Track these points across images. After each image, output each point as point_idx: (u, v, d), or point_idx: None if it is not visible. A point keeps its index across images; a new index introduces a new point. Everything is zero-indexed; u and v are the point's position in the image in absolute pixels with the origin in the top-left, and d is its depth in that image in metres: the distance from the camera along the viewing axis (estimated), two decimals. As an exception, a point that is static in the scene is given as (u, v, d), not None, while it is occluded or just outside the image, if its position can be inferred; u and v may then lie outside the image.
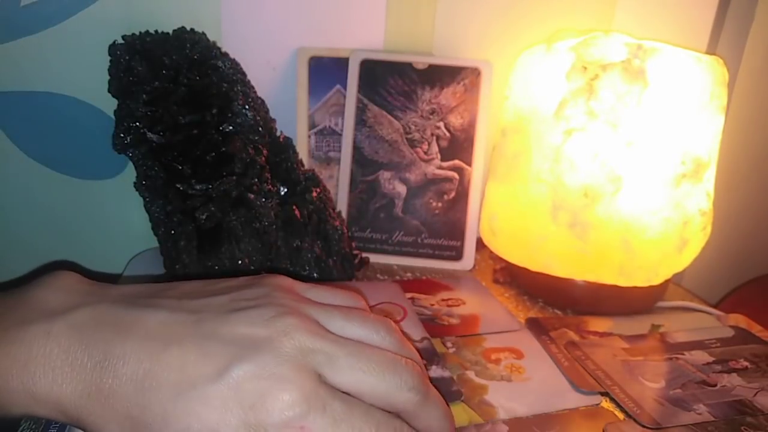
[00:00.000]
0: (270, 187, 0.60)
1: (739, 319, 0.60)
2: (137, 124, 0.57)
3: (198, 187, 0.57)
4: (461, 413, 0.43)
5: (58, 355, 0.30)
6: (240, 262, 0.59)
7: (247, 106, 0.60)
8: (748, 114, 0.79)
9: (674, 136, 0.53)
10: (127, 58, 0.58)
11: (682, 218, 0.55)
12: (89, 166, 0.67)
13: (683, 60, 0.53)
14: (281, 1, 0.66)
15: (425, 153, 0.68)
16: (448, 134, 0.68)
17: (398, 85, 0.68)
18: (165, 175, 0.57)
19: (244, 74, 0.62)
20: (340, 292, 0.38)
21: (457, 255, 0.68)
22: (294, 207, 0.60)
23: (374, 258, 0.67)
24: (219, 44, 0.62)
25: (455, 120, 0.68)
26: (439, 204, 0.68)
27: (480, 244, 0.68)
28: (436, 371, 0.47)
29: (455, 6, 0.69)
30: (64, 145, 0.66)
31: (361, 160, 0.68)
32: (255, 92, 0.63)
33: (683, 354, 0.53)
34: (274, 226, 0.59)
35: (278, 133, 0.64)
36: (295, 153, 0.64)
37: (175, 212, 0.58)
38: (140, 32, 0.60)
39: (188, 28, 0.61)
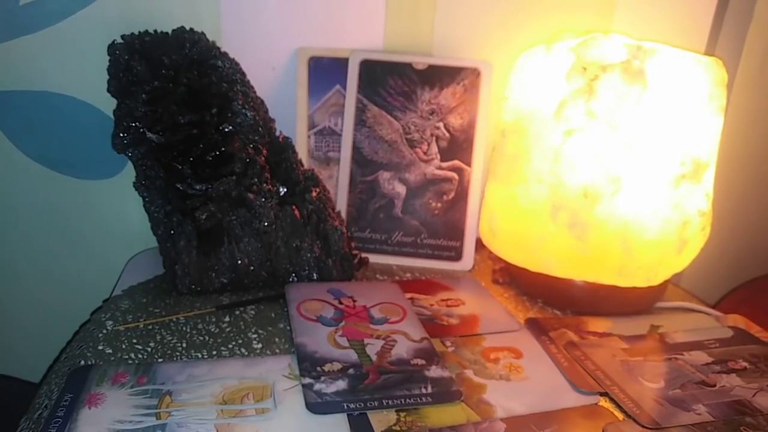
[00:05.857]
0: (270, 187, 0.60)
1: (738, 320, 0.60)
2: (137, 123, 0.57)
3: (198, 187, 0.57)
4: (459, 412, 0.43)
5: None
6: (240, 262, 0.59)
7: (246, 106, 0.60)
8: (747, 114, 0.79)
9: (673, 136, 0.53)
10: (126, 57, 0.58)
11: (682, 219, 0.55)
12: (89, 166, 0.67)
13: (682, 61, 0.53)
14: (281, 1, 0.66)
15: (425, 153, 0.68)
16: (447, 134, 0.68)
17: (398, 85, 0.68)
18: (164, 174, 0.57)
19: (243, 74, 0.62)
20: None
21: (457, 255, 0.68)
22: (294, 207, 0.60)
23: (374, 258, 0.67)
24: (219, 44, 0.62)
25: (455, 120, 0.68)
26: (439, 204, 0.68)
27: (479, 245, 0.68)
28: (435, 371, 0.47)
29: (455, 6, 0.69)
30: (64, 145, 0.66)
31: (360, 160, 0.68)
32: (254, 92, 0.63)
33: (682, 354, 0.53)
34: (274, 226, 0.59)
35: (278, 133, 0.64)
36: (295, 153, 0.64)
37: (175, 212, 0.58)
38: (139, 32, 0.60)
39: (188, 28, 0.61)
